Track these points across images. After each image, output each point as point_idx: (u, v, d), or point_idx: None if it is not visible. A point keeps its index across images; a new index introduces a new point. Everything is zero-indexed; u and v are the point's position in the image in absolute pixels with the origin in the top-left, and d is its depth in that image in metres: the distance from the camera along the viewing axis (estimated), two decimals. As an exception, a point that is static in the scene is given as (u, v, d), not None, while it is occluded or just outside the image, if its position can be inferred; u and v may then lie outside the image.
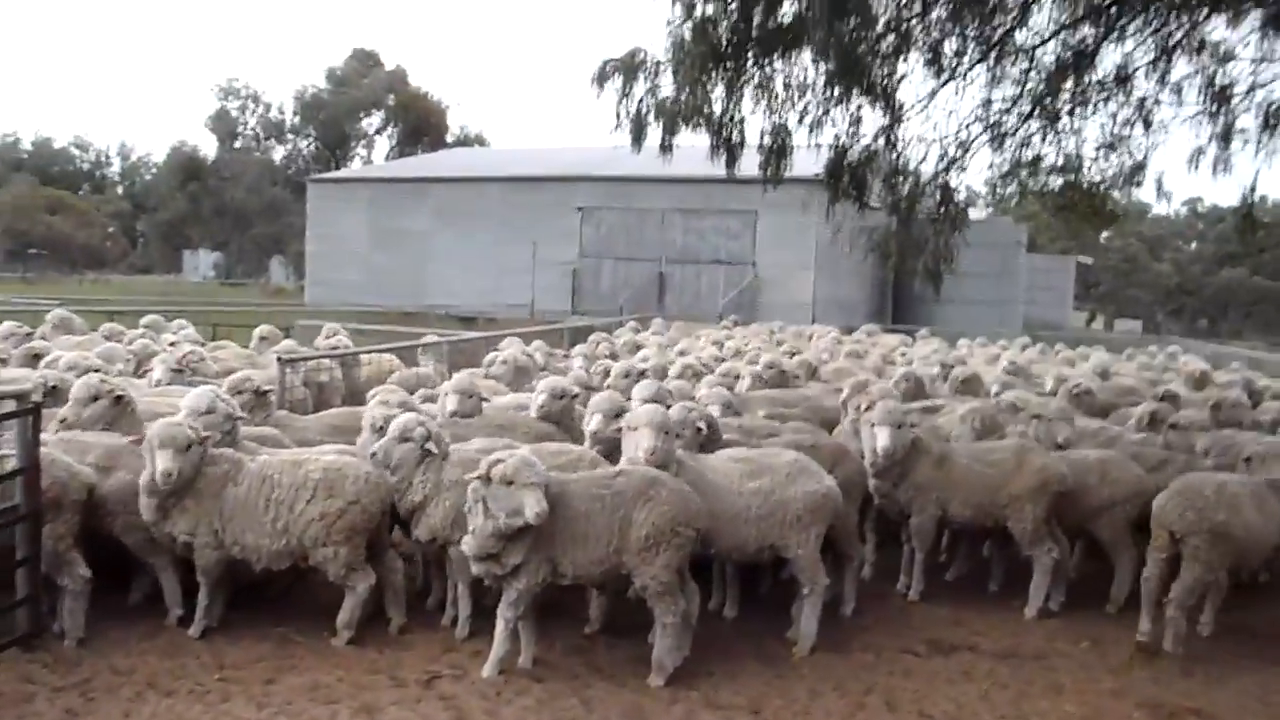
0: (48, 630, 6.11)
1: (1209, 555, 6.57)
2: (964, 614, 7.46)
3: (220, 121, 70.14)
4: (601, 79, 9.57)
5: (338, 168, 64.43)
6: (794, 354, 14.38)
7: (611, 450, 6.88)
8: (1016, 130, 10.06)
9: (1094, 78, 10.03)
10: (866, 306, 35.09)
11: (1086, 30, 9.98)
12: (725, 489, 6.39)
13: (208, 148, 70.62)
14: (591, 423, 7.14)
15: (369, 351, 12.03)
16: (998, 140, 10.06)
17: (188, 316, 16.62)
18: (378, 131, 73.10)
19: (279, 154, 71.88)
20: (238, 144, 70.71)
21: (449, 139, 71.88)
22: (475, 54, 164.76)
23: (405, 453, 6.33)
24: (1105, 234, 73.96)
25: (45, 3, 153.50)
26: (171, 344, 11.86)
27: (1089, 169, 10.50)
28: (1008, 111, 9.95)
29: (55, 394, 7.58)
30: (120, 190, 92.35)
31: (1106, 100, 10.15)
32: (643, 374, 10.03)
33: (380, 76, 70.87)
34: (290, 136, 72.46)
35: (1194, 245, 78.84)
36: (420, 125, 70.89)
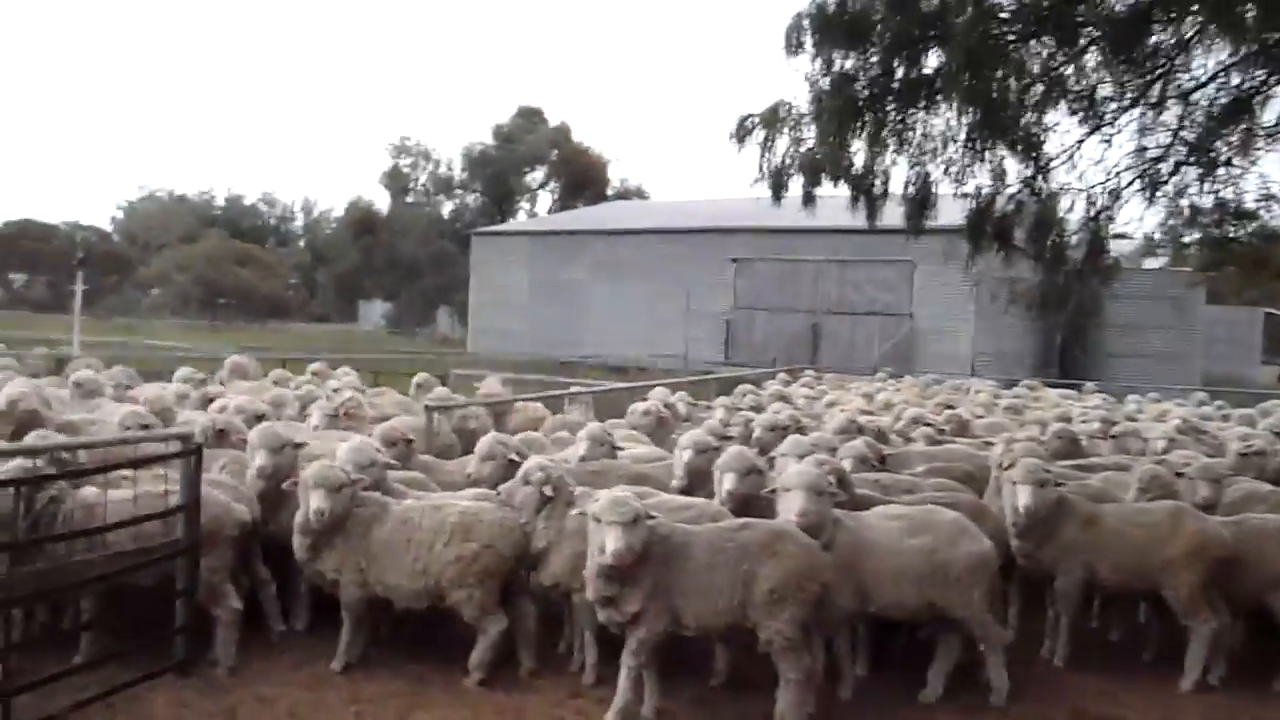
0: (202, 658, 6.49)
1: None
2: (1113, 684, 7.09)
3: (393, 178, 73.46)
4: (741, 134, 9.70)
5: (503, 221, 66.55)
6: (948, 407, 14.02)
7: (744, 508, 6.84)
8: (1169, 179, 9.65)
9: (1259, 121, 9.55)
10: (1031, 360, 33.89)
11: (1253, 71, 9.53)
12: (885, 546, 6.36)
13: (381, 203, 74.03)
14: (725, 483, 7.02)
15: (515, 400, 12.33)
16: (1150, 189, 9.67)
17: (355, 364, 17.45)
18: (541, 186, 75.20)
19: (447, 208, 74.68)
20: (409, 199, 73.84)
21: (609, 192, 73.34)
22: (636, 108, 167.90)
23: (526, 496, 6.50)
24: (1296, 284, 69.70)
25: (239, 67, 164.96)
26: (335, 390, 12.49)
27: (1249, 221, 9.94)
28: (1161, 160, 9.57)
29: (222, 436, 8.08)
30: (302, 244, 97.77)
31: (1271, 145, 9.64)
32: (786, 428, 9.94)
33: (544, 132, 72.99)
34: (459, 191, 75.21)
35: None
36: (581, 179, 72.59)
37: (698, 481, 7.56)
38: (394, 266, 66.24)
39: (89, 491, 6.22)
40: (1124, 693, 6.93)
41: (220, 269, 72.63)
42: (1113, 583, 7.34)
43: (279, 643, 7.03)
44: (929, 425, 11.18)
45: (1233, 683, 7.09)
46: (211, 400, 10.25)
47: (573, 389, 14.02)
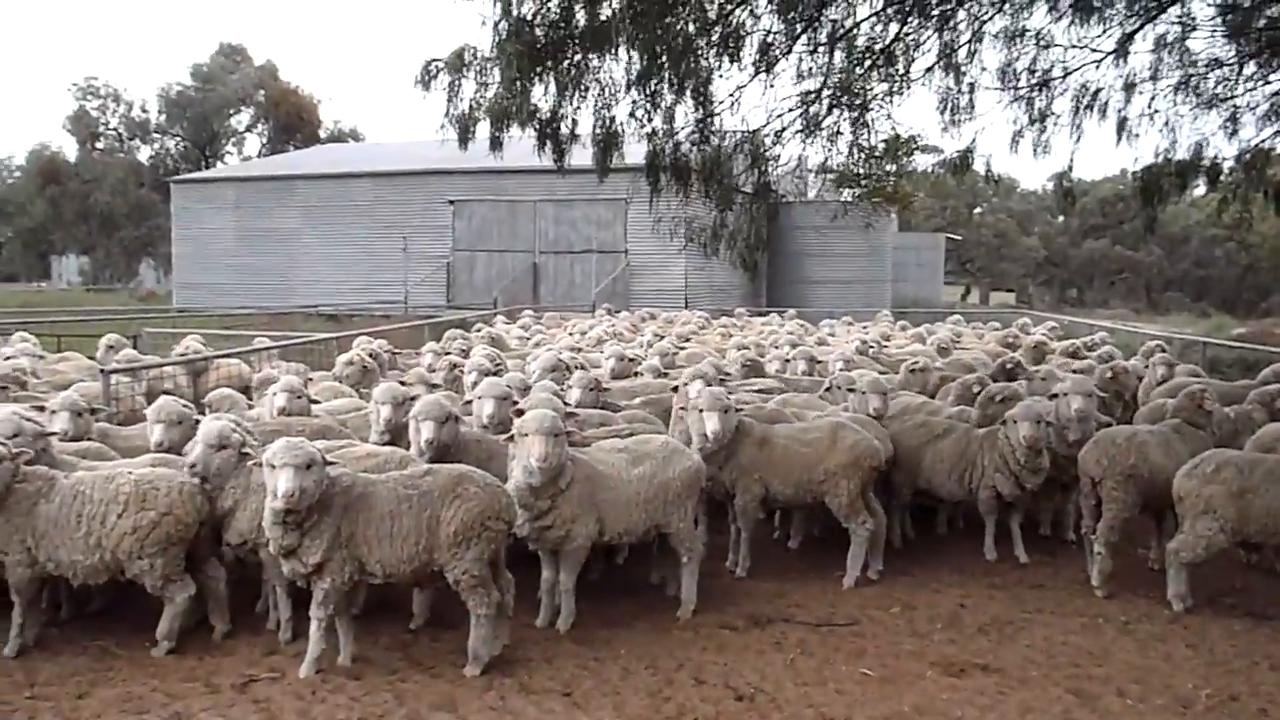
0: None
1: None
2: (787, 587, 7.79)
3: (79, 122, 67.57)
4: (426, 79, 9.64)
5: (209, 167, 62.74)
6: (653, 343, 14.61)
7: (443, 456, 6.97)
8: (824, 120, 10.45)
9: (907, 66, 10.48)
10: (741, 291, 35.69)
11: (901, 20, 10.40)
12: (615, 478, 6.75)
13: (69, 150, 68.06)
14: (424, 431, 7.00)
15: (212, 357, 11.83)
16: (808, 130, 10.44)
17: (43, 327, 16.17)
18: (248, 129, 71.45)
19: (145, 154, 69.63)
20: (100, 144, 68.25)
21: (322, 134, 70.58)
22: (349, 46, 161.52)
23: (224, 460, 6.35)
24: (977, 210, 76.56)
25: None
26: (8, 357, 11.55)
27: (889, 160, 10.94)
28: (814, 101, 10.33)
29: None
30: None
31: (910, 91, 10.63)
32: (491, 372, 10.08)
33: (249, 72, 69.19)
34: (157, 136, 70.21)
35: (1061, 219, 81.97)
36: (292, 121, 69.42)
37: (399, 433, 7.62)
38: (87, 218, 61.28)
39: None
40: (795, 594, 7.64)
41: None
42: (785, 496, 8.02)
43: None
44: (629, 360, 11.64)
45: (890, 575, 7.99)
46: None
47: (256, 341, 13.53)
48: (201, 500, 6.34)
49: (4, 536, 6.11)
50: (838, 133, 10.35)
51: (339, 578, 5.86)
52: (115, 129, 69.27)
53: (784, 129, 10.30)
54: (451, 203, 37.06)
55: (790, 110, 10.21)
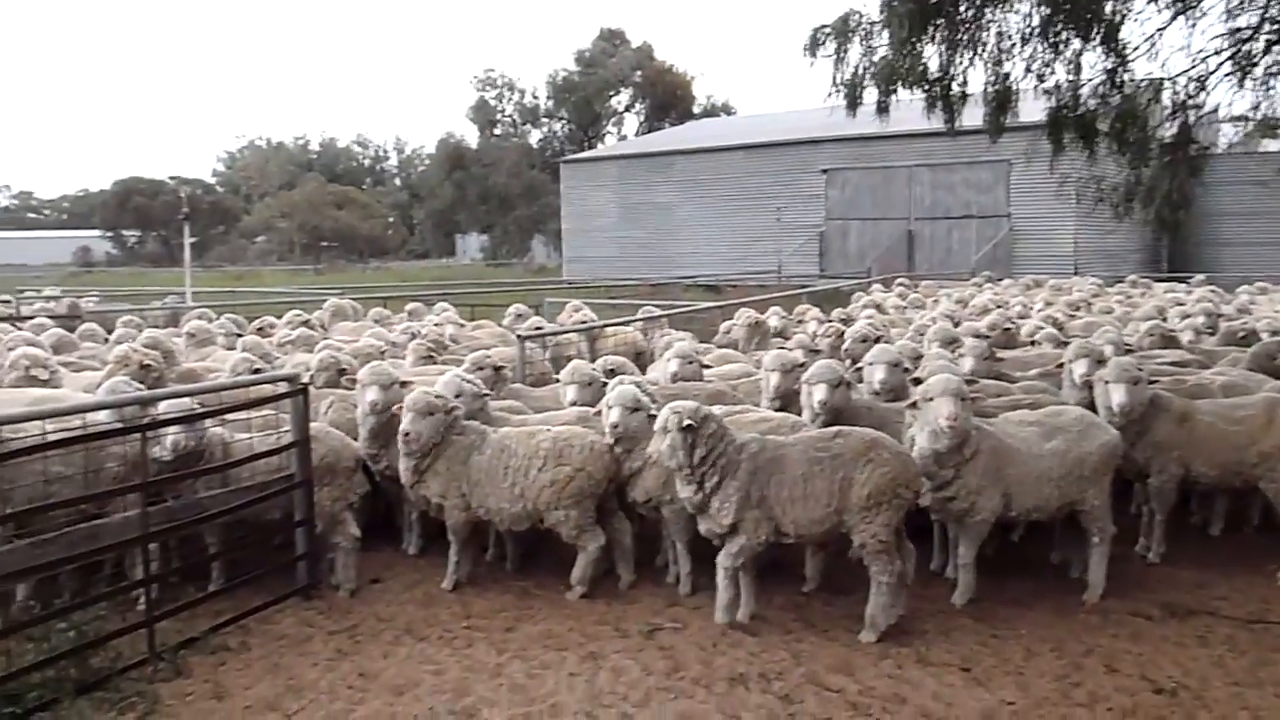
0: (324, 582, 6.96)
1: None
2: (1208, 577, 7.11)
3: (481, 111, 73.89)
4: (813, 46, 9.59)
5: (590, 147, 66.53)
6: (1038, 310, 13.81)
7: (835, 421, 6.97)
8: (1260, 60, 9.21)
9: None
10: (1140, 255, 32.88)
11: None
12: (1025, 452, 6.44)
13: (471, 137, 74.62)
14: (816, 394, 7.00)
15: (606, 325, 12.57)
16: (1240, 72, 9.25)
17: (454, 299, 17.95)
18: (627, 109, 74.88)
19: (535, 138, 74.95)
20: (497, 131, 74.26)
21: (695, 110, 72.61)
22: (719, 22, 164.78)
23: (640, 422, 6.71)
24: None
25: (326, 12, 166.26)
26: (436, 324, 12.93)
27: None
28: (1251, 40, 9.13)
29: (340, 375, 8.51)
30: (398, 182, 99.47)
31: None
32: (878, 339, 9.97)
33: (627, 54, 72.43)
34: (545, 120, 75.31)
35: None
36: (667, 99, 72.00)
37: (789, 399, 7.70)
38: (487, 199, 66.98)
39: (215, 432, 6.68)
40: (1219, 586, 6.95)
41: (320, 213, 74.49)
42: (1209, 479, 7.30)
43: (394, 566, 7.50)
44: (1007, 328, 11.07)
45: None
46: (315, 343, 10.71)
47: (643, 309, 14.09)
48: (611, 458, 6.75)
49: (444, 483, 6.84)
50: (1278, 73, 9.11)
51: (754, 538, 6.03)
52: (510, 116, 75.13)
53: (1209, 73, 9.26)
54: (824, 171, 36.92)
55: (1217, 52, 9.16)
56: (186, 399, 6.68)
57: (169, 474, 6.29)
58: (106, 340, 12.14)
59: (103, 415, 6.53)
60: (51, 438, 5.89)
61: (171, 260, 76.69)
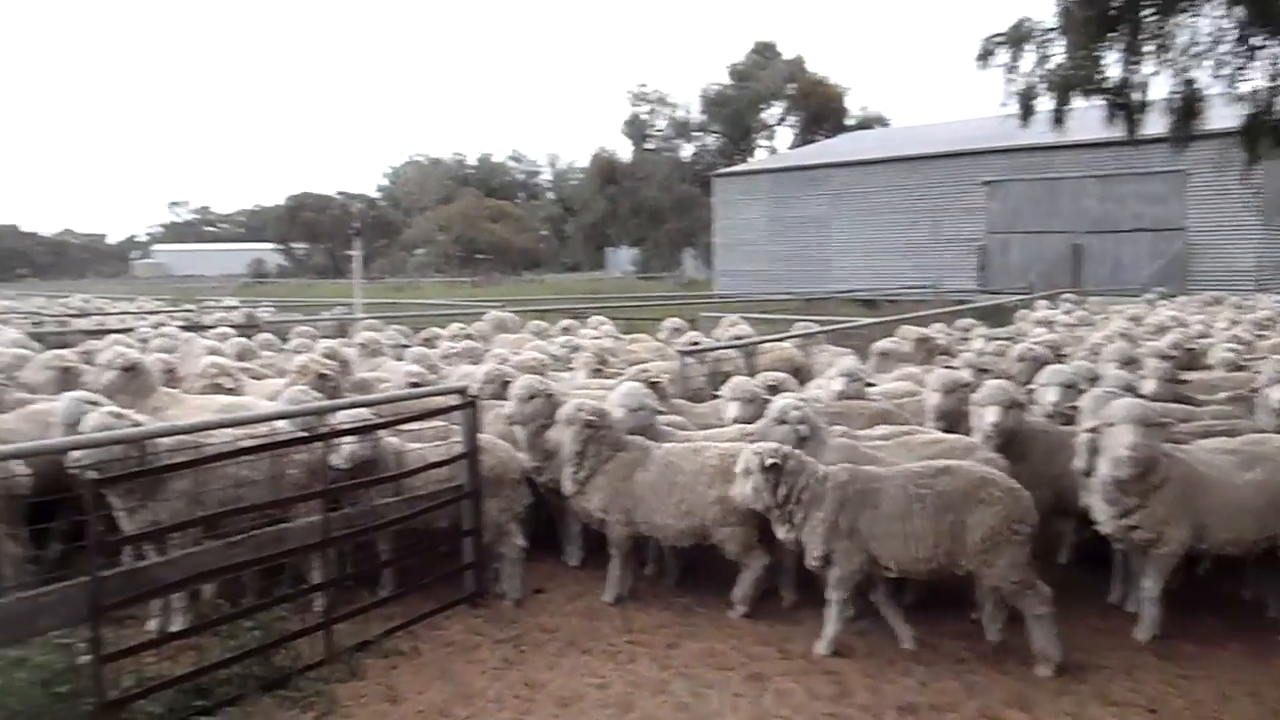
0: (490, 591, 7.10)
1: None
2: None
3: (634, 126, 74.58)
4: (984, 55, 9.32)
5: (742, 160, 66.41)
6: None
7: (1004, 443, 6.76)
8: None
9: None
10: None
11: None
12: (1221, 482, 6.08)
13: (624, 151, 75.41)
14: (988, 417, 6.83)
15: (766, 340, 12.48)
16: None
17: (606, 311, 18.15)
18: (779, 122, 74.38)
19: (687, 151, 75.21)
20: (650, 145, 74.84)
21: (849, 122, 71.66)
22: (872, 33, 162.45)
23: (782, 435, 6.63)
24: None
25: (485, 32, 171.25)
26: (594, 338, 13.08)
27: None
28: None
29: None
30: (551, 196, 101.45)
31: None
32: (1045, 359, 9.61)
33: (779, 67, 71.98)
34: (697, 134, 75.52)
35: None
36: (820, 111, 71.24)
37: (953, 420, 7.48)
38: (638, 213, 67.52)
39: (391, 442, 6.90)
40: None
41: (476, 227, 76.50)
42: None
43: (556, 577, 7.59)
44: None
45: None
46: (480, 355, 10.96)
47: (796, 326, 13.90)
48: (776, 476, 6.66)
49: (606, 497, 6.88)
50: None
51: (848, 567, 5.91)
52: (662, 130, 75.59)
53: None
54: (986, 183, 35.89)
55: None
56: (363, 409, 6.91)
57: (348, 482, 6.52)
58: (281, 349, 12.72)
59: (284, 423, 6.83)
60: (240, 444, 6.19)
61: (336, 272, 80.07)
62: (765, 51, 73.82)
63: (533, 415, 7.41)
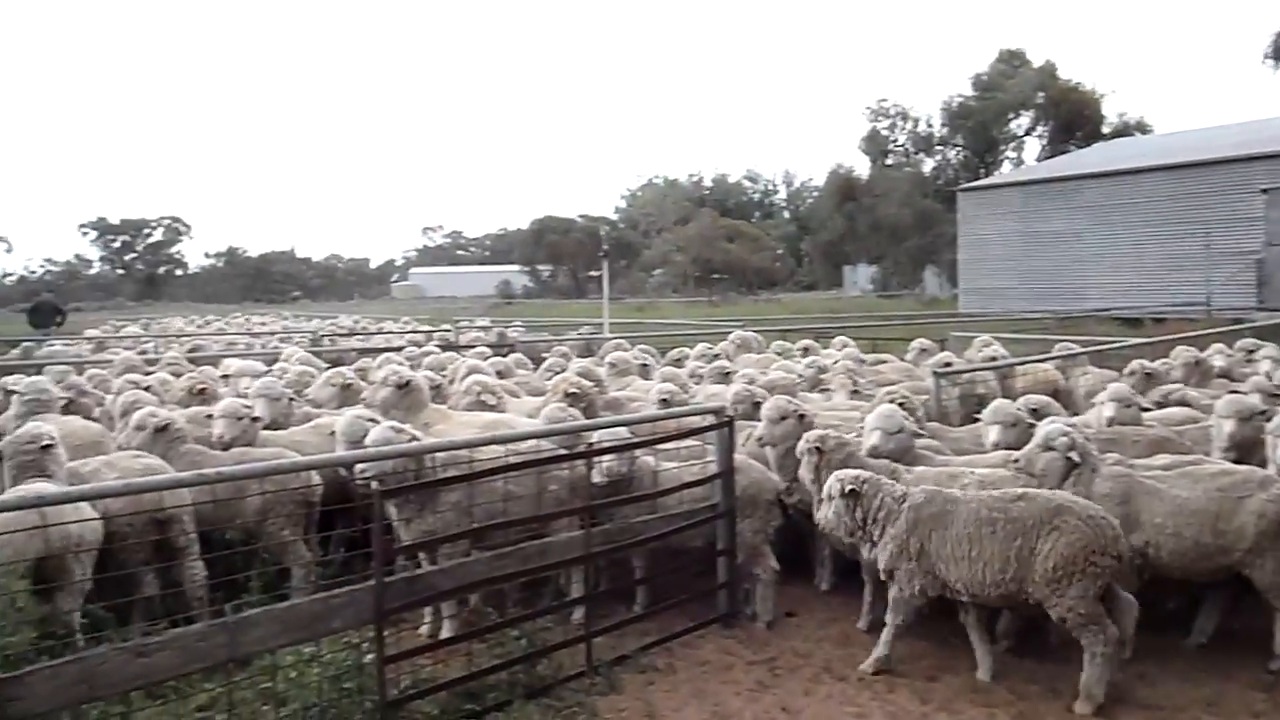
0: (741, 612, 7.09)
1: None
2: None
3: (872, 141, 73.36)
4: (1276, 53, 8.56)
5: (986, 174, 64.07)
6: None
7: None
8: None
9: None
10: None
11: None
12: None
13: (861, 167, 74.30)
14: (1224, 429, 6.34)
15: (1024, 362, 11.93)
16: None
17: (848, 331, 17.88)
18: (1027, 132, 71.31)
19: (928, 166, 73.30)
20: (889, 161, 73.40)
21: (1105, 130, 67.77)
22: (1132, 35, 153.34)
23: (1049, 463, 6.30)
24: None
25: (723, 58, 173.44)
26: (835, 361, 12.88)
27: None
28: None
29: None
30: (786, 215, 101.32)
31: None
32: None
33: (1028, 75, 69.01)
34: (939, 148, 73.50)
35: None
36: (1073, 119, 67.70)
37: (1246, 450, 6.91)
38: (877, 230, 66.28)
39: (647, 460, 7.04)
40: None
41: (712, 246, 77.23)
42: None
43: (807, 601, 7.49)
44: None
45: None
46: (727, 374, 11.01)
47: (1058, 347, 13.13)
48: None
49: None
50: None
51: (907, 589, 5.95)
52: (902, 145, 73.98)
53: None
54: (1264, 191, 33.02)
55: None
56: (621, 428, 7.07)
57: (608, 499, 6.68)
58: (532, 368, 13.24)
59: (545, 440, 7.08)
60: (507, 460, 6.46)
61: (579, 292, 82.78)
62: (1012, 59, 70.99)
63: (783, 436, 7.40)
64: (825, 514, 6.20)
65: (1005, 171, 63.41)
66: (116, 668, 4.55)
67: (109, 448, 7.67)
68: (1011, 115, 69.83)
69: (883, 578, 6.13)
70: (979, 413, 8.07)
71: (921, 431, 7.47)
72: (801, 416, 7.51)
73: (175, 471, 6.52)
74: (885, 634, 6.16)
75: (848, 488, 6.07)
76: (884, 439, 7.00)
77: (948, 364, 11.36)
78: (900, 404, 7.90)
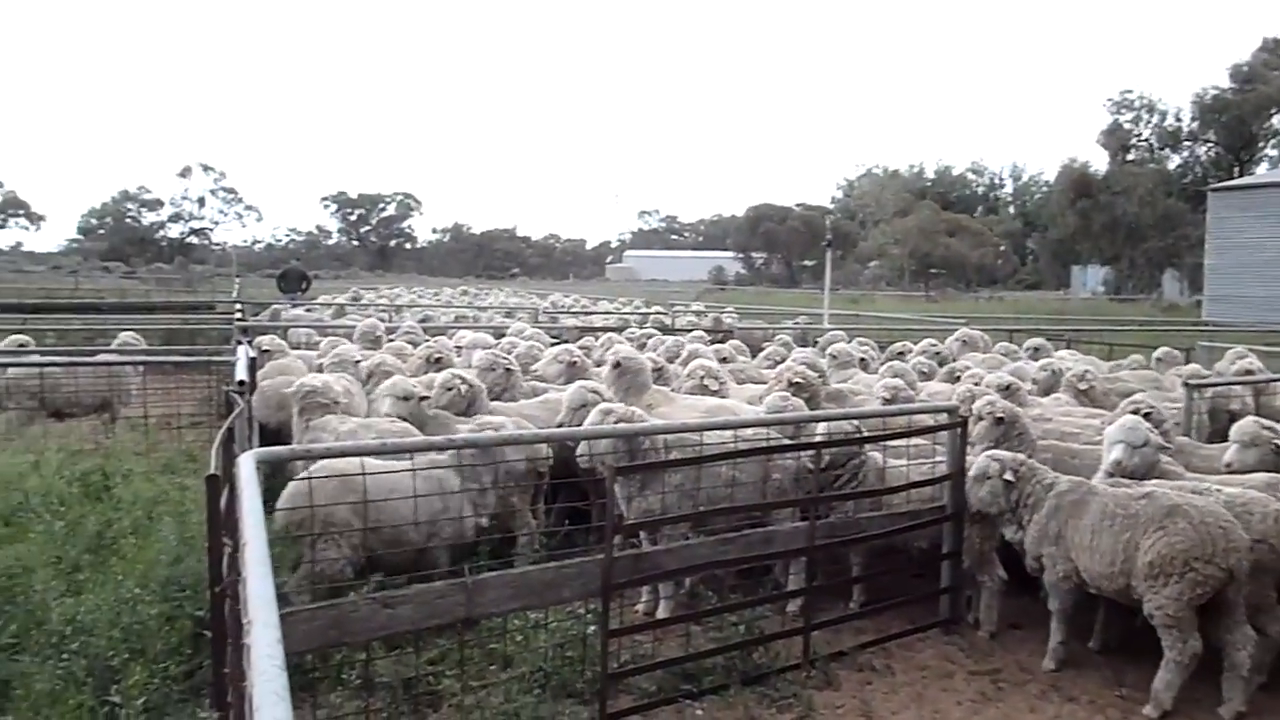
0: (964, 619, 6.87)
1: None
2: None
3: (1112, 135, 69.28)
4: None
5: (1241, 173, 59.50)
6: None
7: None
8: None
9: None
10: None
11: None
12: None
13: (1098, 162, 70.35)
14: None
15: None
16: None
17: (1080, 335, 17.01)
18: (1292, 128, 65.71)
19: (1173, 163, 68.68)
20: (1130, 156, 69.19)
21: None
22: None
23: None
24: None
25: (955, 44, 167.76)
26: (1068, 369, 12.25)
27: None
28: None
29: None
30: (1011, 210, 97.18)
31: None
32: None
33: (1305, 65, 63.52)
34: (1187, 144, 68.74)
35: None
36: (1345, 116, 61.98)
37: None
38: (1114, 229, 62.65)
39: (875, 456, 6.92)
40: None
41: (931, 240, 74.95)
42: None
43: (1032, 613, 7.18)
44: None
45: None
46: (955, 376, 10.67)
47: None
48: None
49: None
50: None
51: (1053, 575, 6.07)
52: (1146, 140, 69.57)
53: None
54: None
55: None
56: (847, 422, 6.97)
57: (834, 492, 6.61)
58: (750, 355, 13.22)
59: (769, 429, 7.05)
60: (732, 446, 6.48)
61: (792, 281, 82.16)
62: (1278, 49, 65.49)
63: (982, 436, 7.07)
64: (981, 493, 6.34)
65: (1265, 171, 58.64)
66: (365, 616, 4.84)
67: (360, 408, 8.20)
68: (1274, 110, 64.45)
69: (1030, 564, 6.26)
70: (1228, 430, 7.50)
71: (1169, 445, 6.98)
72: (999, 420, 7.13)
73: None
74: (1052, 622, 6.26)
75: (1006, 474, 6.24)
76: (1127, 454, 6.46)
77: (1199, 375, 10.63)
78: (1145, 415, 7.44)
